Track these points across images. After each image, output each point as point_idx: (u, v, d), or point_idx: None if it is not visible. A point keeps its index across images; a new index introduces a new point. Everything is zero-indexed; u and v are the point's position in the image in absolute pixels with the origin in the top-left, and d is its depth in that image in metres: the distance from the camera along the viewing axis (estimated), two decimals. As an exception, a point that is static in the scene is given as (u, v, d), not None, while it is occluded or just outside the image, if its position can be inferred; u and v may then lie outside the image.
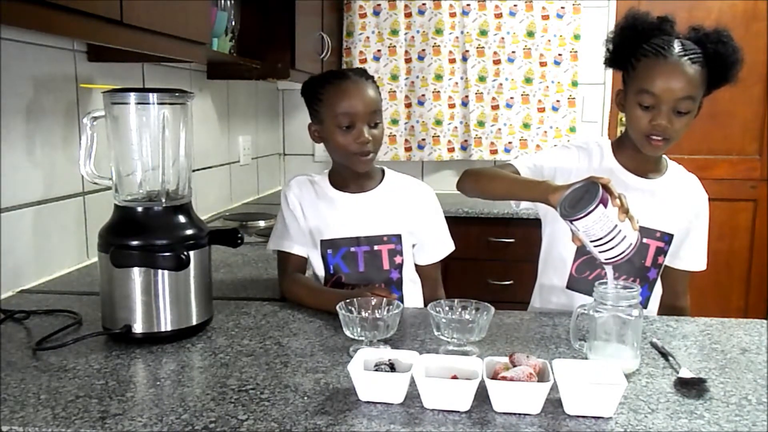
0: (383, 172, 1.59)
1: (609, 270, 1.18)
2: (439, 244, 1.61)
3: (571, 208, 1.16)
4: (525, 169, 1.50)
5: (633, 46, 1.43)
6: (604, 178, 1.17)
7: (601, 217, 1.12)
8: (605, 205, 1.12)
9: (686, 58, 1.36)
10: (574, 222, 1.14)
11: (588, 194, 1.15)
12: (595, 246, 1.16)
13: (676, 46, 1.38)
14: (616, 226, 1.13)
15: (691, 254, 1.58)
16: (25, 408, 0.93)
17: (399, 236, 1.52)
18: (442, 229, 1.61)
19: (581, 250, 1.51)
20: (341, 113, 1.43)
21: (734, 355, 1.19)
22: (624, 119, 3.21)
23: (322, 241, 1.51)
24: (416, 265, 1.60)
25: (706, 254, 1.59)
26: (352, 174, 1.52)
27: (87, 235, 1.75)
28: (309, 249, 1.53)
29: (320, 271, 1.53)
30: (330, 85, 1.46)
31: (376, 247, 1.51)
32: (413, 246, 1.57)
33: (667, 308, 1.59)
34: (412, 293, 1.57)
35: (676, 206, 1.53)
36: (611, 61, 1.51)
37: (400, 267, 1.53)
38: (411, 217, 1.55)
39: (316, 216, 1.52)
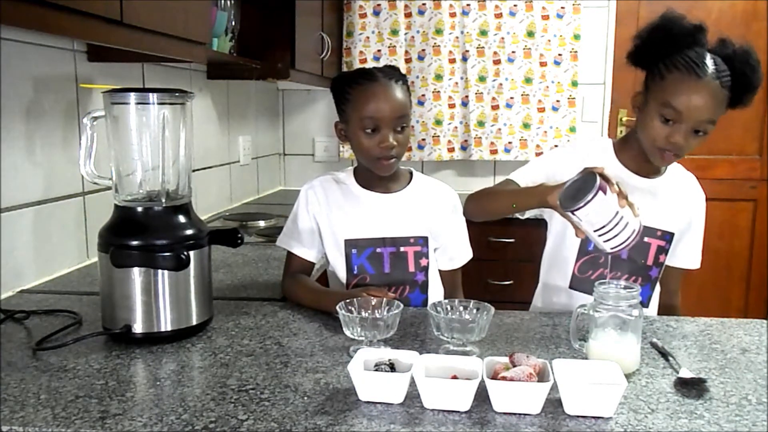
0: (411, 173, 1.57)
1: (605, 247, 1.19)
2: (460, 251, 1.60)
3: (571, 199, 1.16)
4: (524, 181, 1.51)
5: (663, 50, 1.38)
6: (598, 167, 1.18)
7: (601, 204, 1.13)
8: (604, 192, 1.14)
9: (718, 80, 1.33)
10: (575, 213, 1.15)
11: (586, 184, 1.16)
12: (599, 236, 1.16)
13: (710, 65, 1.33)
14: (617, 212, 1.14)
15: (686, 252, 1.59)
16: (25, 408, 0.93)
17: (425, 238, 1.51)
18: (465, 235, 1.60)
19: (583, 250, 1.51)
20: (366, 117, 1.40)
21: (734, 355, 1.19)
22: (624, 118, 3.23)
23: (346, 240, 1.48)
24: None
25: (700, 253, 1.60)
26: (378, 174, 1.49)
27: (87, 235, 1.75)
28: (330, 251, 1.50)
29: (342, 272, 1.50)
30: (358, 86, 1.42)
31: (402, 249, 1.49)
32: (435, 250, 1.56)
33: (660, 306, 1.60)
34: (438, 296, 1.56)
35: (676, 205, 1.53)
36: (635, 56, 1.45)
37: (425, 269, 1.52)
38: (437, 220, 1.53)
39: (342, 215, 1.50)
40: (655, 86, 1.40)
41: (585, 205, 1.13)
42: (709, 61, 1.34)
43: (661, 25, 1.40)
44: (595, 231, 1.16)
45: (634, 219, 1.16)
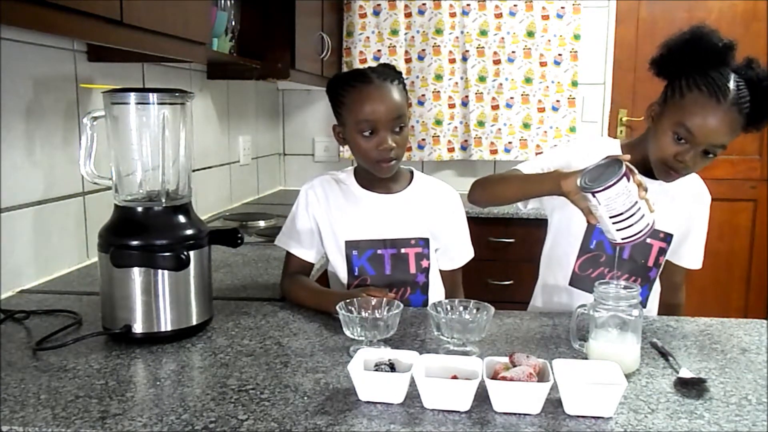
0: (412, 173, 1.56)
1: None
2: (461, 251, 1.59)
3: (594, 182, 1.17)
4: (532, 171, 1.50)
5: (688, 66, 1.35)
6: (623, 155, 1.18)
7: (624, 190, 1.14)
8: (628, 179, 1.14)
9: (737, 106, 1.30)
10: (596, 195, 1.15)
11: (609, 169, 1.16)
12: (614, 223, 1.17)
13: (732, 91, 1.30)
14: (636, 202, 1.15)
15: (690, 253, 1.59)
16: (25, 408, 0.93)
17: (426, 240, 1.50)
18: (466, 235, 1.60)
19: (585, 248, 1.51)
20: (362, 120, 1.38)
21: (734, 355, 1.19)
22: (624, 118, 3.23)
23: (346, 241, 1.48)
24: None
25: (702, 254, 1.60)
26: (378, 176, 1.47)
27: (87, 235, 1.75)
28: (330, 252, 1.50)
29: (343, 273, 1.49)
30: (352, 89, 1.40)
31: (403, 250, 1.49)
32: (436, 250, 1.55)
33: (665, 305, 1.60)
34: (438, 297, 1.55)
35: (681, 206, 1.53)
36: (659, 66, 1.41)
37: (426, 270, 1.51)
38: (438, 221, 1.53)
39: (342, 216, 1.49)
40: (673, 102, 1.37)
41: (609, 187, 1.13)
42: (731, 84, 1.31)
43: (690, 40, 1.36)
44: (611, 217, 1.16)
45: (649, 213, 1.18)
